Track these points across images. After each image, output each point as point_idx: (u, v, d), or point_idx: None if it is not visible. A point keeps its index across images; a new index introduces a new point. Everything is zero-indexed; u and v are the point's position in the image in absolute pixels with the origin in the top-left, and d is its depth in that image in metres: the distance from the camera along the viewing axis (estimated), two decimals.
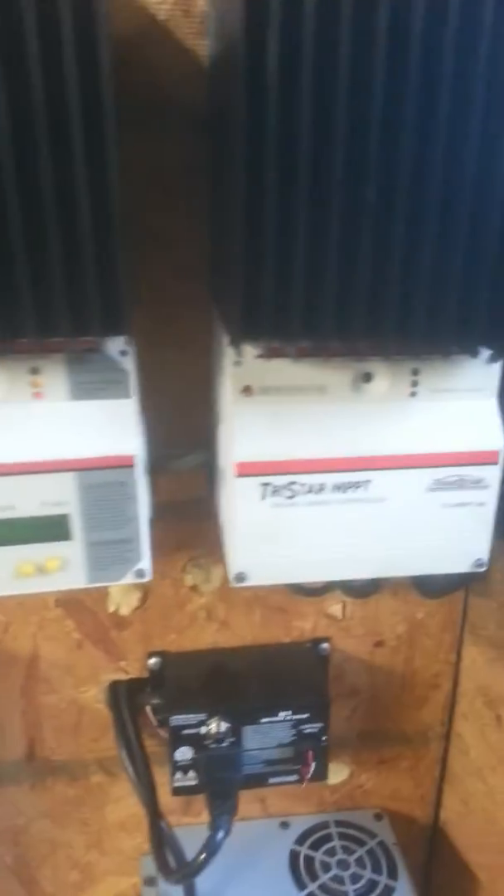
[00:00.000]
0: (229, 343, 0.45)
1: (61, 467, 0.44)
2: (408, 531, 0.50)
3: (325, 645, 0.72)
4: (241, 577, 0.49)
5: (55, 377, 0.45)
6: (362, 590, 0.67)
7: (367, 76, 0.35)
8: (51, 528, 0.45)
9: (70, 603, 0.66)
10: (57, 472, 0.44)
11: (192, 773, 0.64)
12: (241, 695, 0.65)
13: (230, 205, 0.39)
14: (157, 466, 0.58)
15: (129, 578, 0.48)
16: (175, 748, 0.63)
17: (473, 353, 0.42)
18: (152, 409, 0.60)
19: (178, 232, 0.55)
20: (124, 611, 0.68)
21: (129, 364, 0.45)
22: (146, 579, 0.48)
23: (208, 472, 0.62)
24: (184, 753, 0.64)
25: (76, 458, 0.45)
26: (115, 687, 0.70)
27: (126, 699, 0.70)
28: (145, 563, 0.48)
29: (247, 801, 0.80)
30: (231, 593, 0.69)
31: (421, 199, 0.38)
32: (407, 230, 0.38)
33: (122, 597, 0.67)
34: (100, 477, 0.45)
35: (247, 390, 0.47)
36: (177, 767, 0.64)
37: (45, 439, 0.45)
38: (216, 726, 0.62)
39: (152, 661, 0.70)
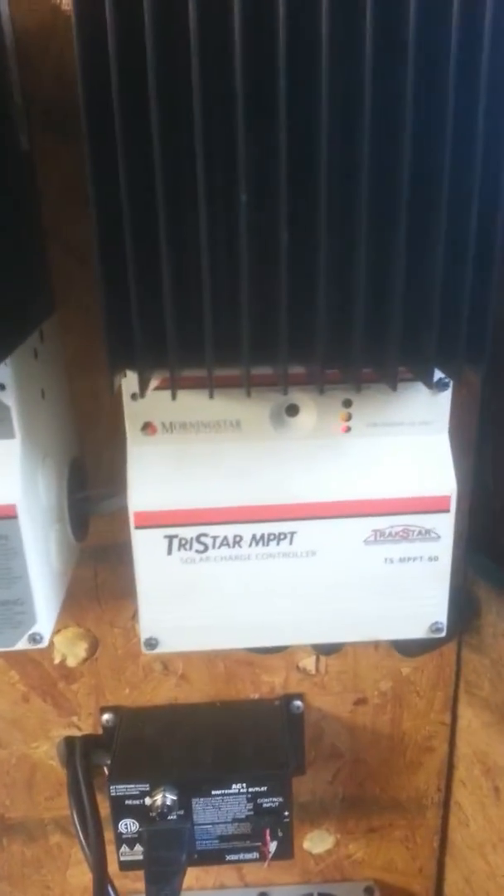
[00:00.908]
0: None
1: None
2: (346, 591, 0.42)
3: (297, 702, 0.65)
4: (151, 644, 0.43)
5: None
6: (324, 646, 0.59)
7: (226, 47, 0.28)
8: None
9: (11, 653, 0.61)
10: None
11: (139, 847, 0.58)
12: (193, 762, 0.58)
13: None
14: (88, 505, 0.53)
15: (24, 644, 0.42)
16: (118, 820, 0.57)
17: (392, 386, 0.35)
18: (87, 442, 0.55)
19: None
20: (71, 662, 0.62)
21: (10, 398, 0.40)
22: (42, 645, 0.42)
23: None
24: (128, 826, 0.57)
25: None
26: (68, 744, 0.65)
27: (81, 757, 0.64)
28: (42, 626, 0.42)
29: (223, 867, 0.73)
30: None
31: (310, 200, 0.31)
32: (297, 242, 0.31)
33: (67, 647, 0.61)
34: None
35: (148, 427, 0.41)
36: (122, 840, 0.58)
37: None
38: (161, 798, 0.56)
39: (105, 717, 0.64)
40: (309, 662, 0.64)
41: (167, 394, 0.40)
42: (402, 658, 0.64)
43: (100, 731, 0.65)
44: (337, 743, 0.68)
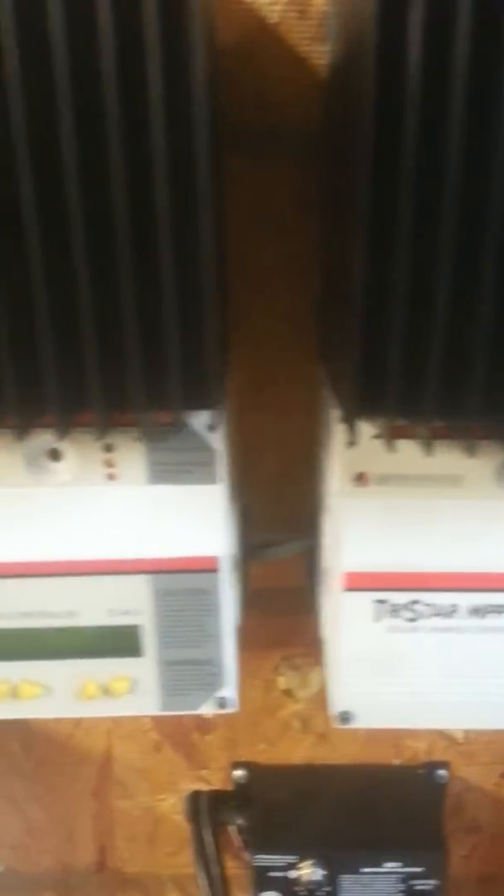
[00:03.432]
0: (341, 419, 0.36)
1: (135, 568, 0.36)
2: None
3: (442, 771, 0.60)
4: (346, 718, 0.39)
5: (132, 456, 0.37)
6: None
7: None
8: (119, 642, 0.37)
9: None
10: (129, 573, 0.36)
11: None
12: (340, 834, 0.54)
13: (348, 248, 0.30)
14: (252, 552, 0.50)
15: (210, 707, 0.39)
16: (259, 891, 0.53)
17: None
18: (246, 484, 0.52)
19: (281, 275, 0.47)
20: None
21: (219, 441, 0.37)
22: (230, 710, 0.39)
23: (308, 561, 0.52)
24: None
25: (152, 557, 0.36)
26: (195, 799, 0.61)
27: (208, 814, 0.60)
28: (229, 689, 0.39)
29: None
30: None
31: None
32: None
33: None
34: (178, 582, 0.37)
35: (360, 479, 0.37)
36: None
37: (118, 532, 0.37)
38: (309, 873, 0.51)
39: (238, 773, 0.60)
40: (457, 729, 0.59)
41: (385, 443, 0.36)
42: None
43: (229, 787, 0.61)
44: (477, 816, 0.63)
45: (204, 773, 0.61)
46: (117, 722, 0.59)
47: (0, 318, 0.28)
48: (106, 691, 0.38)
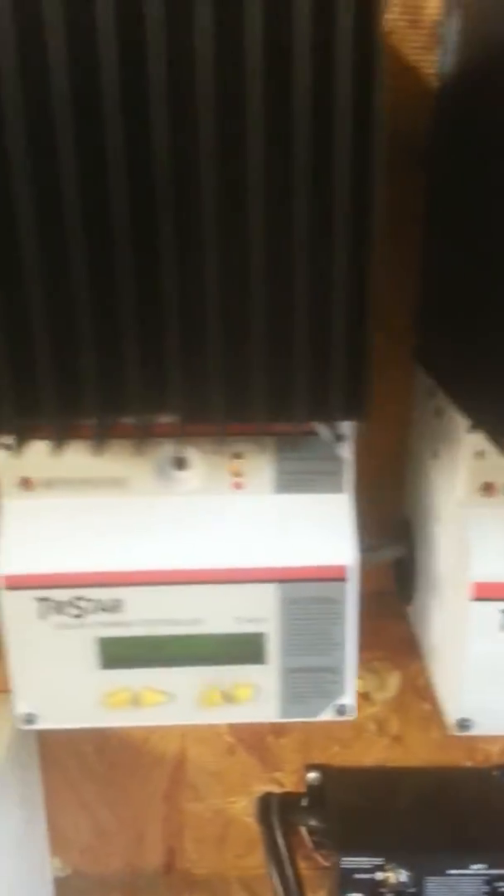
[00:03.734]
0: (472, 429, 0.36)
1: (262, 577, 0.37)
2: None
3: None
4: (465, 725, 0.39)
5: (259, 464, 0.37)
6: None
7: None
8: (243, 649, 0.37)
9: None
10: (256, 582, 0.36)
11: None
12: (422, 835, 0.54)
13: (490, 263, 0.30)
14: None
15: (329, 715, 0.39)
16: (343, 893, 0.53)
17: None
18: None
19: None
20: None
21: (347, 451, 0.37)
22: (349, 717, 0.39)
23: (397, 568, 0.53)
24: None
25: (279, 566, 0.37)
26: (267, 800, 0.61)
27: (279, 815, 0.60)
28: (349, 697, 0.39)
29: None
30: (408, 705, 0.59)
31: None
32: None
33: None
34: (305, 590, 0.37)
35: (487, 489, 0.38)
36: None
37: (244, 541, 0.37)
38: (394, 875, 0.52)
39: (311, 775, 0.60)
40: None
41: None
42: None
43: (302, 790, 0.61)
44: None
45: (277, 775, 0.61)
46: (192, 725, 0.59)
47: (174, 328, 0.28)
48: (228, 698, 0.39)
